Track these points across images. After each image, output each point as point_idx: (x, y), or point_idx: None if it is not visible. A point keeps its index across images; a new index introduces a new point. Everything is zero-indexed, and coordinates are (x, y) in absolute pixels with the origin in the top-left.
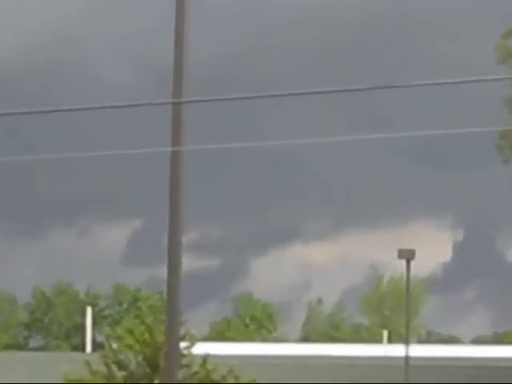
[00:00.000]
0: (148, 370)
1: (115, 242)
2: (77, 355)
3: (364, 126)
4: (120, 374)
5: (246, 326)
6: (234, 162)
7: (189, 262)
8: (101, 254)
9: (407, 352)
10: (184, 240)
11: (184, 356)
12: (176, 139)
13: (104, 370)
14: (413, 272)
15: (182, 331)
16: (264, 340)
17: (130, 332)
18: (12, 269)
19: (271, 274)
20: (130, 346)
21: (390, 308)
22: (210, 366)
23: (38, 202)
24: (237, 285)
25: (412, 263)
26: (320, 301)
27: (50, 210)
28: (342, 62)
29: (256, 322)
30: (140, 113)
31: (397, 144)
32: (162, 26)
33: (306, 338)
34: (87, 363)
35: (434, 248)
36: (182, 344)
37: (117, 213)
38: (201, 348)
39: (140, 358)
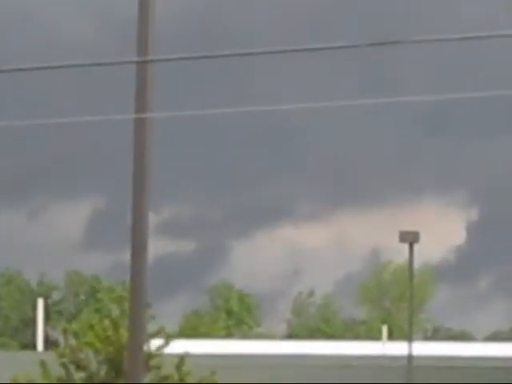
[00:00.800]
0: (111, 371)
1: (73, 222)
2: (27, 354)
3: (367, 90)
4: (78, 376)
5: (224, 320)
6: (213, 131)
7: (159, 246)
8: (56, 238)
9: (410, 350)
10: (153, 220)
11: (153, 357)
12: (141, 105)
13: (59, 371)
14: (419, 258)
15: (152, 327)
16: (245, 337)
17: (91, 327)
18: None
19: (254, 260)
20: (90, 344)
21: (391, 300)
22: (184, 368)
23: None
24: (214, 272)
25: (417, 247)
26: (311, 292)
27: None
28: (338, 18)
29: (235, 315)
30: (102, 73)
31: (404, 110)
32: None
33: (293, 335)
34: (42, 363)
35: (444, 230)
36: (154, 343)
37: (75, 188)
38: (172, 346)
39: (102, 358)
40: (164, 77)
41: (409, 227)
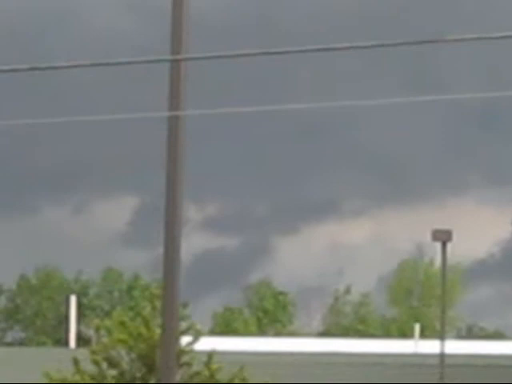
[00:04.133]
0: (143, 368)
1: (114, 220)
2: (60, 351)
3: (413, 87)
4: (110, 374)
5: (258, 318)
6: (257, 127)
7: (201, 242)
8: (96, 234)
9: (442, 349)
10: (197, 216)
11: (184, 353)
12: (175, 103)
13: (91, 368)
14: (459, 255)
15: (183, 324)
16: (278, 335)
17: (123, 324)
18: None
19: (297, 256)
20: (123, 341)
21: (423, 298)
22: (214, 365)
23: (25, 173)
24: (255, 269)
25: (451, 245)
26: (348, 289)
27: (38, 183)
28: (384, 13)
29: (270, 313)
30: (136, 70)
31: (452, 107)
32: None
33: (327, 333)
34: (75, 360)
35: (489, 227)
36: (184, 339)
37: (116, 186)
38: (205, 343)
39: (134, 356)
40: (211, 72)
41: (456, 224)
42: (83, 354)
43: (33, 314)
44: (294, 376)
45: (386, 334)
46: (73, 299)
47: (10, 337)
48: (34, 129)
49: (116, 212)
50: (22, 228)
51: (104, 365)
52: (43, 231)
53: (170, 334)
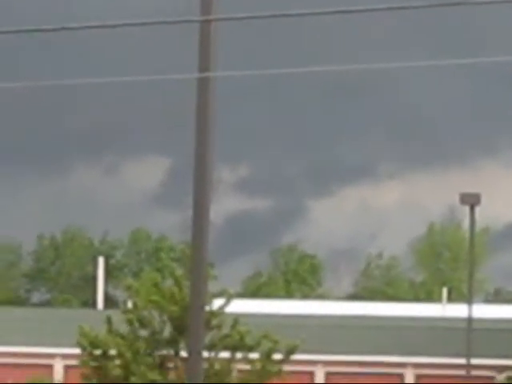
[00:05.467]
0: (174, 330)
1: (144, 181)
2: (88, 312)
3: (444, 50)
4: (141, 334)
5: (287, 281)
6: (291, 88)
7: (233, 204)
8: (127, 196)
9: (470, 312)
10: (230, 177)
11: (215, 316)
12: (205, 64)
13: (120, 328)
14: (487, 218)
15: (215, 287)
16: (307, 297)
17: (156, 286)
18: (21, 212)
19: (329, 218)
20: (155, 302)
21: (450, 261)
22: (243, 328)
23: (59, 134)
24: (287, 231)
25: (479, 209)
26: (380, 254)
27: (72, 144)
28: None
29: (299, 276)
30: (165, 32)
31: (484, 70)
32: None
33: (355, 296)
34: (107, 320)
35: None
36: (216, 302)
37: (145, 147)
38: (233, 306)
39: (165, 317)
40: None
41: (483, 188)
42: (112, 315)
43: (58, 274)
44: (321, 338)
45: (415, 297)
46: (101, 260)
47: (35, 297)
48: (66, 91)
49: (147, 173)
50: (54, 189)
51: (136, 325)
52: (74, 192)
53: (198, 295)
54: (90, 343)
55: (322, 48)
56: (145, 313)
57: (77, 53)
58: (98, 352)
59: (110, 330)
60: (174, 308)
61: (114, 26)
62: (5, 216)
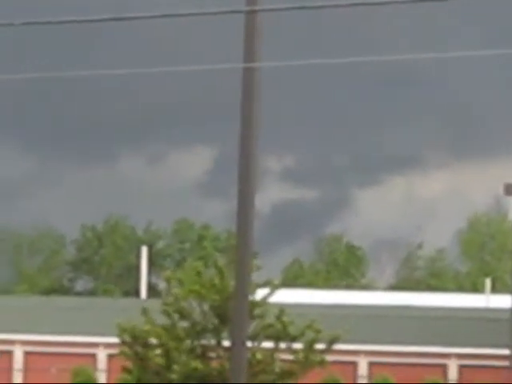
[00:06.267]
0: (215, 320)
1: (188, 170)
2: (131, 301)
3: (495, 39)
4: (182, 325)
5: (329, 271)
6: (337, 78)
7: (279, 193)
8: (172, 185)
9: None
10: (277, 167)
11: (257, 306)
12: (249, 54)
13: (162, 319)
14: None
15: (260, 278)
16: (350, 287)
17: (198, 274)
18: (66, 199)
19: (375, 208)
20: (196, 292)
21: (493, 252)
22: (286, 318)
23: (105, 122)
24: (332, 221)
25: None
26: (421, 244)
27: (117, 132)
28: None
29: (341, 267)
30: (210, 22)
31: None
32: None
33: (398, 286)
34: (144, 311)
35: None
36: (260, 292)
37: (191, 136)
38: (276, 295)
39: (206, 307)
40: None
41: None
42: (155, 304)
43: (101, 263)
44: (364, 328)
45: (459, 288)
46: (144, 250)
47: (79, 286)
48: (117, 79)
49: (194, 162)
50: (100, 176)
51: (175, 316)
52: (119, 180)
53: (243, 285)
54: (130, 335)
55: (369, 37)
56: (184, 304)
57: (128, 42)
58: (138, 342)
59: (149, 321)
60: (216, 297)
61: (162, 16)
62: (50, 203)
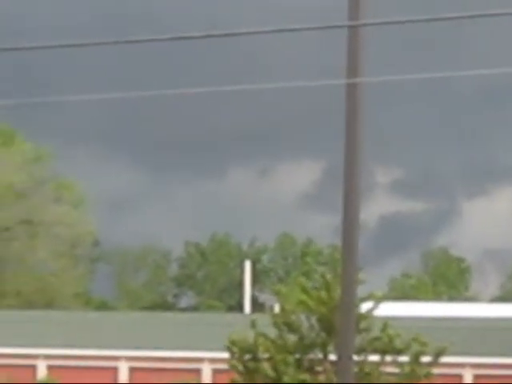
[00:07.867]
0: (322, 333)
1: (298, 184)
2: (236, 316)
3: None
4: (290, 339)
5: (435, 284)
6: (443, 88)
7: (387, 205)
8: (278, 199)
9: None
10: (385, 179)
11: (363, 319)
12: (353, 69)
13: (267, 332)
14: None
15: (363, 291)
16: (454, 299)
17: (304, 290)
18: (171, 215)
19: (483, 220)
20: (303, 303)
21: None
22: (392, 331)
23: (212, 136)
24: (440, 233)
25: None
26: None
27: (225, 146)
28: None
29: (446, 279)
30: (313, 37)
31: None
32: None
33: (503, 298)
34: (252, 323)
35: None
36: (364, 305)
37: (301, 151)
38: (381, 308)
39: (313, 320)
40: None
41: None
42: (259, 318)
43: (205, 279)
44: (470, 341)
45: None
46: (247, 264)
47: (183, 302)
48: (222, 95)
49: (300, 177)
50: (207, 192)
51: (284, 329)
52: (226, 195)
53: (350, 298)
54: (240, 348)
55: (476, 50)
56: (293, 317)
57: (222, 58)
58: (247, 356)
59: (258, 334)
60: (322, 309)
61: (260, 33)
62: (156, 218)
